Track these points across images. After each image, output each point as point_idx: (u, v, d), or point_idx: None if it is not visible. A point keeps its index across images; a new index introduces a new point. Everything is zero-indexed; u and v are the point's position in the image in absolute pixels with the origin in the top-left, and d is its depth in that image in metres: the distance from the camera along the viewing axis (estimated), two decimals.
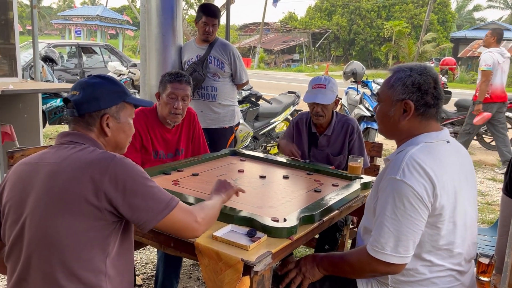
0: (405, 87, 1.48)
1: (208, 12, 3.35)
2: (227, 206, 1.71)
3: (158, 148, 2.44)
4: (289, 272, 1.65)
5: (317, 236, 2.64)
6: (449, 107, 7.22)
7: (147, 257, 2.98)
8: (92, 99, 1.37)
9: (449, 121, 6.91)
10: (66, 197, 1.23)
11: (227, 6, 4.92)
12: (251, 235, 1.52)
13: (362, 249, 1.47)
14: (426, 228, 1.39)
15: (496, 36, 5.38)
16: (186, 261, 2.84)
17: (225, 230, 1.55)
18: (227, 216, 1.62)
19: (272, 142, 5.82)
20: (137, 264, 2.88)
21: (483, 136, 6.85)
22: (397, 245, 1.37)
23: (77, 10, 33.31)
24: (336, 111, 2.71)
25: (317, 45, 34.94)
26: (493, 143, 6.40)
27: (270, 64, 31.58)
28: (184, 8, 30.51)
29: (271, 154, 5.47)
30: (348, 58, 32.95)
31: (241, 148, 5.29)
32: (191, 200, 1.76)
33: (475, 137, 6.91)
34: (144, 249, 3.05)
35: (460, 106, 6.90)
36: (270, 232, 1.54)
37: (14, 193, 1.30)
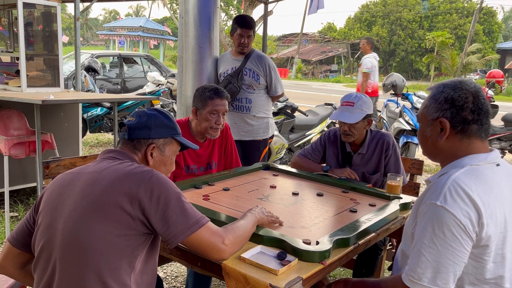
0: (437, 104, 1.38)
1: (243, 24, 3.33)
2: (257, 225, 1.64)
3: (190, 162, 2.42)
4: None
5: (355, 257, 2.53)
6: (496, 121, 6.86)
7: (178, 270, 2.95)
8: (144, 127, 1.48)
9: (495, 136, 6.56)
10: (103, 203, 1.28)
11: (264, 17, 4.90)
12: (281, 258, 1.45)
13: (397, 278, 1.37)
14: (470, 260, 1.27)
15: (371, 44, 6.94)
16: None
17: (254, 252, 1.48)
18: (257, 236, 1.56)
19: None
20: (167, 277, 2.85)
21: None
22: (436, 277, 1.26)
23: (121, 22, 34.63)
24: (370, 129, 2.59)
25: (356, 56, 34.52)
26: None
27: (307, 74, 31.44)
28: (224, 19, 31.01)
29: None
30: (388, 69, 32.31)
31: (276, 160, 5.23)
32: (220, 216, 1.71)
33: None
34: (175, 262, 3.02)
35: (508, 120, 6.54)
36: (301, 255, 1.46)
37: (51, 199, 1.35)
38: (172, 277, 2.86)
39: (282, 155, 5.26)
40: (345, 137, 2.53)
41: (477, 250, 1.26)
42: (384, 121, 6.05)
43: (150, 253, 1.39)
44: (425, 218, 1.29)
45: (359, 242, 1.65)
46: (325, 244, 1.51)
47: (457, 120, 1.35)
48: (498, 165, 1.37)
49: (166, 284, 2.77)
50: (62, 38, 4.52)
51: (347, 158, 2.61)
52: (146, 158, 1.48)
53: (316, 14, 8.33)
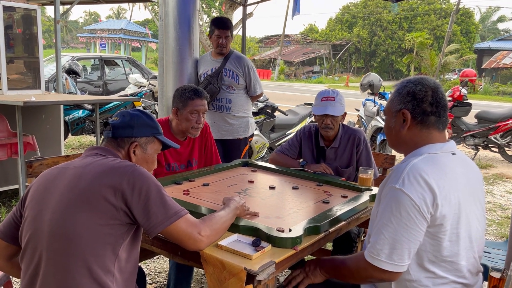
0: (401, 97, 1.52)
1: (220, 25, 3.43)
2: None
3: (171, 160, 2.50)
4: (294, 271, 1.68)
5: (331, 249, 2.65)
6: (470, 119, 7.11)
7: (161, 266, 3.02)
8: (127, 126, 1.57)
9: (469, 133, 6.79)
10: (88, 195, 1.36)
11: (243, 19, 5.00)
12: (255, 245, 1.54)
13: (360, 255, 1.49)
14: (427, 238, 1.39)
15: None
16: (199, 271, 2.87)
17: (231, 240, 1.58)
18: (233, 225, 1.65)
19: None
20: (150, 273, 2.92)
21: (505, 148, 6.69)
22: (392, 253, 1.38)
23: (102, 24, 34.32)
24: (342, 124, 2.72)
25: (337, 57, 34.91)
26: None
27: (290, 75, 31.67)
28: (206, 21, 31.02)
29: None
30: (369, 69, 32.77)
31: (257, 159, 5.33)
32: (199, 209, 1.79)
33: (496, 150, 6.78)
34: (158, 258, 3.10)
35: (481, 118, 6.78)
36: (275, 242, 1.55)
37: (38, 193, 1.42)
38: (156, 273, 2.93)
39: (264, 154, 5.36)
40: (326, 131, 2.63)
41: (433, 229, 1.37)
42: (363, 120, 6.21)
43: (133, 243, 1.47)
44: (386, 200, 1.42)
45: (330, 230, 1.76)
46: (297, 231, 1.61)
47: (417, 112, 1.47)
48: (454, 154, 1.50)
49: (150, 279, 2.84)
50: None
51: (321, 153, 2.72)
52: (129, 156, 1.56)
53: (297, 16, 8.50)
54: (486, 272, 2.17)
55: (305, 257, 1.77)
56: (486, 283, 1.68)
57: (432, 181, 1.36)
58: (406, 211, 1.35)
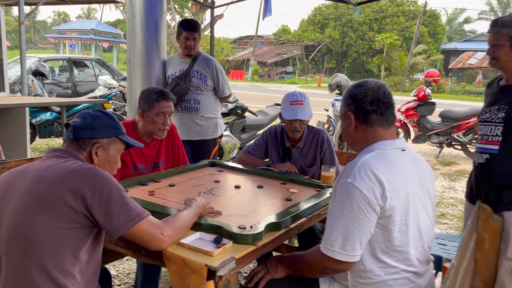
0: (344, 101, 1.63)
1: (188, 27, 3.46)
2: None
3: (137, 162, 2.51)
4: (256, 267, 1.74)
5: (297, 245, 2.72)
6: (434, 118, 7.35)
7: (130, 267, 3.03)
8: (89, 127, 1.56)
9: (434, 132, 7.03)
10: (48, 199, 1.36)
11: (211, 21, 5.03)
12: (217, 242, 1.59)
13: (317, 248, 1.56)
14: (378, 229, 1.47)
15: None
16: (167, 271, 2.89)
17: (193, 238, 1.62)
18: (196, 224, 1.69)
19: None
20: (119, 275, 2.92)
21: (467, 146, 6.96)
22: (345, 244, 1.45)
23: (71, 24, 33.55)
24: (307, 124, 2.80)
25: (310, 58, 35.30)
26: None
27: (263, 76, 31.82)
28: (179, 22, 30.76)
29: None
30: (341, 70, 33.28)
31: (228, 160, 5.37)
32: (165, 210, 1.82)
33: (459, 147, 7.04)
34: (127, 259, 3.10)
35: (444, 116, 7.03)
36: (236, 238, 1.61)
37: None
38: (124, 274, 2.93)
39: (235, 154, 5.41)
40: (294, 133, 2.71)
41: (383, 220, 1.46)
42: (332, 120, 6.34)
43: (95, 245, 1.49)
44: (339, 194, 1.50)
45: (291, 226, 1.82)
46: (258, 228, 1.67)
47: (359, 112, 1.57)
48: (403, 150, 1.59)
49: (118, 281, 2.85)
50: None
51: (287, 153, 2.80)
52: (91, 157, 1.56)
53: (270, 17, 8.59)
54: (441, 262, 2.29)
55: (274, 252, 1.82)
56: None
57: (381, 175, 1.44)
58: (357, 203, 1.43)
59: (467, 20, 44.55)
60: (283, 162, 2.78)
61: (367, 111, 1.56)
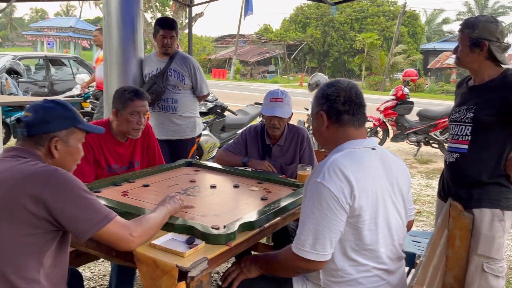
0: (317, 100, 1.63)
1: (165, 25, 3.43)
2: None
3: (112, 162, 2.48)
4: (230, 267, 1.73)
5: (272, 244, 2.72)
6: (412, 117, 7.46)
7: (105, 269, 2.98)
8: (43, 122, 1.46)
9: (412, 130, 7.13)
10: (7, 205, 1.30)
11: (189, 20, 5.00)
12: (189, 243, 1.58)
13: (288, 248, 1.56)
14: (349, 228, 1.48)
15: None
16: None
17: (165, 238, 1.60)
18: (168, 224, 1.67)
19: None
20: (94, 276, 2.88)
21: (444, 144, 7.09)
22: (315, 243, 1.46)
23: (49, 22, 32.89)
24: (288, 122, 2.81)
25: (292, 57, 35.43)
26: None
27: (246, 75, 31.80)
28: None
29: None
30: (323, 69, 33.50)
31: (208, 159, 5.35)
32: (137, 210, 1.80)
33: (436, 146, 7.16)
34: (103, 261, 3.05)
35: (422, 115, 7.14)
36: (209, 239, 1.59)
37: None
38: (100, 276, 2.89)
39: (214, 153, 5.39)
40: (273, 130, 2.73)
41: (353, 219, 1.47)
42: (311, 118, 6.37)
43: (60, 248, 1.44)
44: (309, 193, 1.50)
45: (265, 226, 1.82)
46: (231, 228, 1.66)
47: (332, 112, 1.58)
48: (373, 149, 1.60)
49: (94, 283, 2.80)
50: None
51: (267, 150, 2.81)
52: (51, 152, 1.47)
53: (252, 16, 8.59)
54: (414, 259, 2.33)
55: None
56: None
57: (349, 173, 1.45)
58: (326, 202, 1.44)
59: (445, 21, 45.41)
60: (263, 159, 2.79)
61: (339, 111, 1.57)
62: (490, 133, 1.99)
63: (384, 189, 1.54)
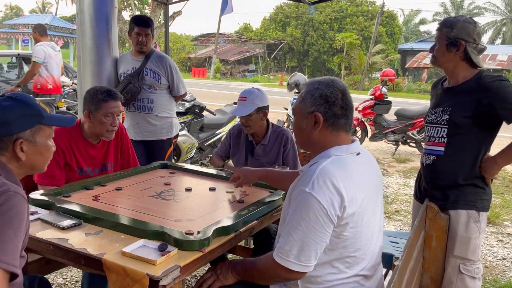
0: (313, 99, 1.52)
1: (140, 22, 3.35)
2: (141, 220, 1.71)
3: (83, 165, 2.39)
4: (205, 274, 1.68)
5: (253, 246, 2.68)
6: (390, 116, 7.54)
7: (78, 275, 2.89)
8: (2, 123, 1.33)
9: (390, 130, 7.20)
10: None
11: (165, 18, 4.91)
12: (162, 249, 1.52)
13: (269, 255, 1.52)
14: (333, 238, 1.44)
15: (38, 31, 5.87)
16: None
17: (136, 245, 1.54)
18: (140, 231, 1.62)
19: None
20: (66, 283, 2.78)
21: (422, 143, 7.18)
22: (300, 254, 1.42)
23: (24, 19, 32.01)
24: (272, 122, 2.79)
25: (272, 56, 35.46)
26: None
27: (226, 74, 31.69)
28: None
29: None
30: (303, 68, 33.67)
31: (186, 160, 5.27)
32: (110, 217, 1.73)
33: (414, 145, 7.24)
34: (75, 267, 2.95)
35: (400, 115, 7.22)
36: (182, 245, 1.54)
37: None
38: (72, 283, 2.80)
39: (193, 154, 5.31)
40: (245, 128, 2.72)
41: (339, 228, 1.43)
42: (291, 118, 6.36)
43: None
44: (296, 202, 1.45)
45: (241, 230, 1.77)
46: (205, 233, 1.61)
47: (329, 115, 1.50)
48: (358, 154, 1.57)
49: None
50: None
51: (250, 149, 2.79)
52: (16, 155, 1.36)
53: (232, 14, 8.52)
54: (391, 260, 2.32)
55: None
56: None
57: (340, 185, 1.40)
58: (315, 214, 1.39)
59: (422, 21, 46.25)
60: (246, 158, 2.81)
61: (337, 115, 1.51)
62: (466, 135, 1.99)
63: (370, 196, 1.51)
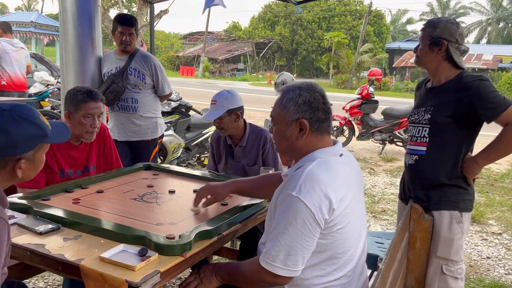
0: (297, 106, 1.49)
1: (123, 21, 3.30)
2: (122, 224, 1.67)
3: (65, 167, 2.35)
4: (189, 277, 1.64)
5: (238, 248, 2.66)
6: (377, 115, 7.58)
7: (60, 279, 2.84)
8: (8, 145, 1.28)
9: (377, 129, 7.23)
10: None
11: (150, 17, 4.85)
12: (142, 254, 1.49)
13: (255, 260, 1.50)
14: (322, 240, 1.42)
15: (2, 28, 5.84)
16: None
17: (116, 251, 1.51)
18: (120, 235, 1.58)
19: (206, 152, 5.79)
20: (48, 287, 2.73)
21: None
22: (287, 259, 1.40)
23: (9, 16, 31.39)
24: (250, 123, 2.76)
25: (261, 55, 35.45)
26: None
27: (215, 73, 31.58)
28: None
29: (206, 164, 5.45)
30: (291, 67, 33.73)
31: (173, 160, 5.22)
32: (90, 221, 1.69)
33: (400, 144, 7.29)
34: None
35: (386, 114, 7.25)
36: (163, 250, 1.51)
37: None
38: (54, 287, 2.75)
39: (179, 154, 5.27)
40: (220, 131, 2.71)
41: (326, 231, 1.41)
42: (272, 124, 6.35)
43: None
44: (282, 207, 1.43)
45: (224, 233, 1.75)
46: (187, 237, 1.58)
47: (314, 120, 1.49)
48: (341, 155, 1.56)
49: None
50: None
51: (230, 152, 2.76)
52: (14, 172, 1.33)
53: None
54: (376, 261, 2.32)
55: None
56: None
57: (327, 189, 1.39)
58: (302, 218, 1.37)
59: (409, 21, 46.62)
60: (226, 161, 2.78)
61: (321, 120, 1.50)
62: (447, 134, 2.00)
63: (355, 197, 1.51)
